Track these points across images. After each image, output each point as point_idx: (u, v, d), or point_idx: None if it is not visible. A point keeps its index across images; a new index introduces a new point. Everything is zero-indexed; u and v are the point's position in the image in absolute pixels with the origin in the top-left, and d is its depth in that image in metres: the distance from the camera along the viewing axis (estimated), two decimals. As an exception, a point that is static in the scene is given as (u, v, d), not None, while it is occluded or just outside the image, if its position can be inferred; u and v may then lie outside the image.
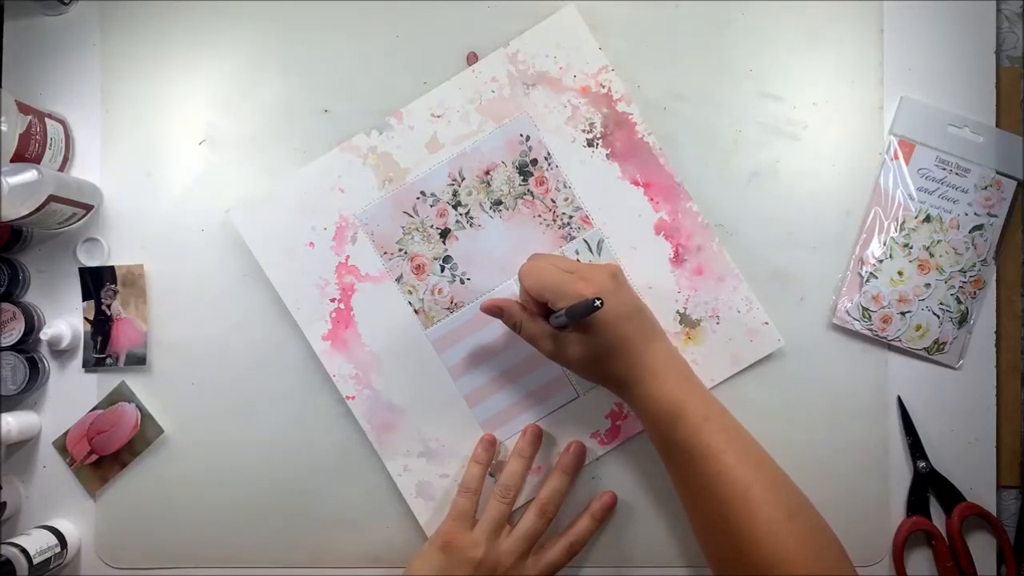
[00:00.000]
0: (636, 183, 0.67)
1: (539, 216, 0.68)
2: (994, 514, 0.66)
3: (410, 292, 0.68)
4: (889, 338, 0.66)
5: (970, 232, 0.67)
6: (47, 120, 0.67)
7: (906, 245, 0.67)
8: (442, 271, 0.68)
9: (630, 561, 0.67)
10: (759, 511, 0.54)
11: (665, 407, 0.58)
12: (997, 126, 0.67)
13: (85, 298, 0.69)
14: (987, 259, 0.67)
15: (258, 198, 0.68)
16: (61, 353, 0.69)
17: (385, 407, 0.67)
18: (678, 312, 0.67)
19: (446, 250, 0.68)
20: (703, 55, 0.68)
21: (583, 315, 0.56)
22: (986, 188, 0.67)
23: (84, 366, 0.69)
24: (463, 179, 0.68)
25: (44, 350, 0.69)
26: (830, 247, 0.67)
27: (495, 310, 0.62)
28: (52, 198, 0.63)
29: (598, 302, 0.53)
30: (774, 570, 0.53)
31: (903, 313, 0.66)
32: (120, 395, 0.69)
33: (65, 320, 0.68)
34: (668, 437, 0.58)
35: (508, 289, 0.67)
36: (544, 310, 0.61)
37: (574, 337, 0.58)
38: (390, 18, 0.69)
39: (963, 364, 0.67)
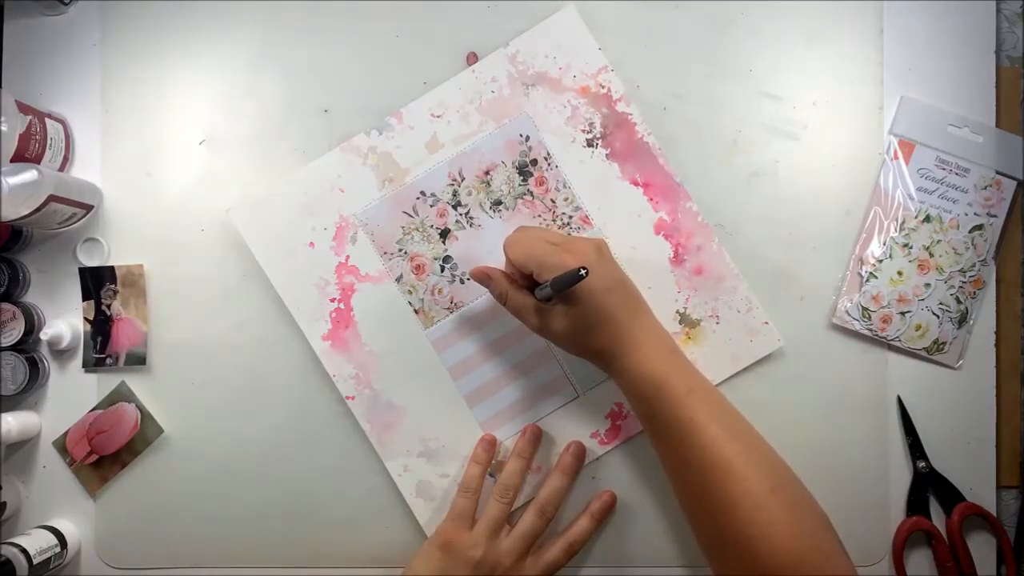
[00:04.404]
0: (636, 183, 0.67)
1: (539, 216, 0.68)
2: (994, 514, 0.66)
3: (410, 292, 0.68)
4: (889, 338, 0.66)
5: (970, 232, 0.67)
6: (47, 120, 0.67)
7: (906, 245, 0.67)
8: (442, 271, 0.68)
9: (630, 561, 0.67)
10: (740, 485, 0.54)
11: (648, 380, 0.57)
12: (997, 126, 0.67)
13: (85, 298, 0.69)
14: (987, 259, 0.67)
15: (258, 198, 0.68)
16: (61, 353, 0.69)
17: (385, 407, 0.67)
18: (678, 312, 0.67)
19: (446, 250, 0.68)
20: (703, 55, 0.68)
21: (568, 285, 0.56)
22: (986, 188, 0.67)
23: (84, 366, 0.69)
24: (463, 179, 0.68)
25: (44, 350, 0.69)
26: (830, 247, 0.67)
27: (483, 278, 0.62)
28: (52, 198, 0.63)
29: (583, 271, 0.53)
30: (754, 544, 0.53)
31: (903, 313, 0.66)
32: (120, 395, 0.69)
33: (65, 320, 0.68)
34: (652, 411, 0.58)
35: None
36: (530, 282, 0.61)
37: (559, 310, 0.58)
38: (390, 18, 0.69)
39: (963, 364, 0.67)
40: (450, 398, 0.67)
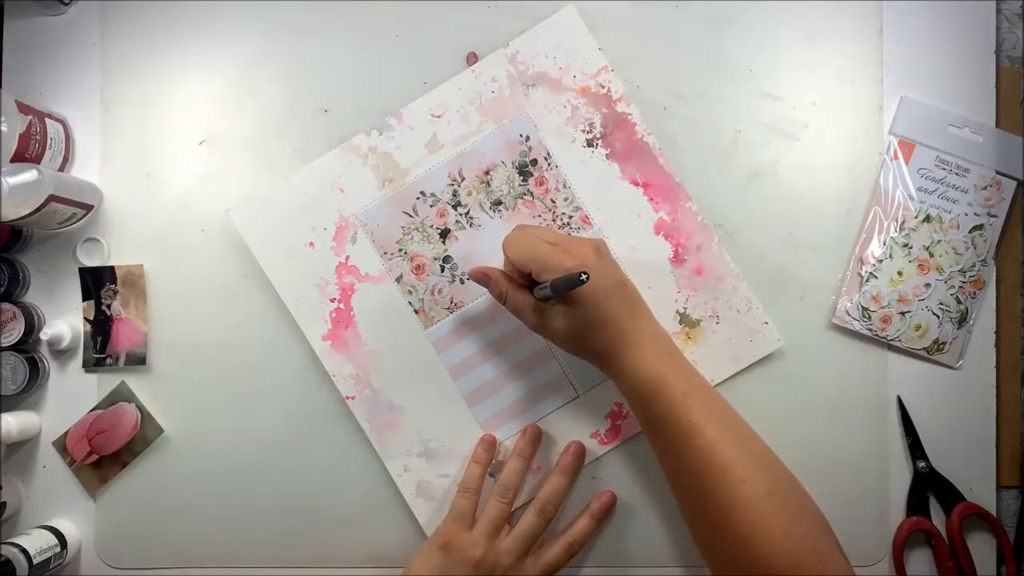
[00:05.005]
0: (636, 183, 0.67)
1: (539, 216, 0.68)
2: (994, 514, 0.66)
3: (410, 292, 0.68)
4: (889, 338, 0.66)
5: (970, 232, 0.67)
6: (47, 120, 0.67)
7: (906, 245, 0.67)
8: (442, 271, 0.68)
9: (630, 561, 0.67)
10: (738, 486, 0.54)
11: (645, 381, 0.58)
12: (997, 126, 0.67)
13: (85, 298, 0.69)
14: (987, 259, 0.67)
15: (258, 198, 0.68)
16: (61, 353, 0.69)
17: (385, 407, 0.67)
18: (678, 312, 0.67)
19: (446, 250, 0.68)
20: (703, 55, 0.68)
21: (567, 289, 0.56)
22: (986, 188, 0.67)
23: (84, 366, 0.69)
24: (463, 179, 0.68)
25: (44, 350, 0.69)
26: (830, 247, 0.67)
27: (482, 277, 0.62)
28: (52, 198, 0.63)
29: (584, 276, 0.53)
30: (751, 545, 0.53)
31: (903, 313, 0.66)
32: (120, 395, 0.69)
33: (65, 320, 0.68)
34: (649, 412, 0.58)
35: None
36: (528, 281, 0.61)
37: (558, 310, 0.58)
38: (390, 18, 0.69)
39: (963, 364, 0.67)
40: (450, 398, 0.67)
